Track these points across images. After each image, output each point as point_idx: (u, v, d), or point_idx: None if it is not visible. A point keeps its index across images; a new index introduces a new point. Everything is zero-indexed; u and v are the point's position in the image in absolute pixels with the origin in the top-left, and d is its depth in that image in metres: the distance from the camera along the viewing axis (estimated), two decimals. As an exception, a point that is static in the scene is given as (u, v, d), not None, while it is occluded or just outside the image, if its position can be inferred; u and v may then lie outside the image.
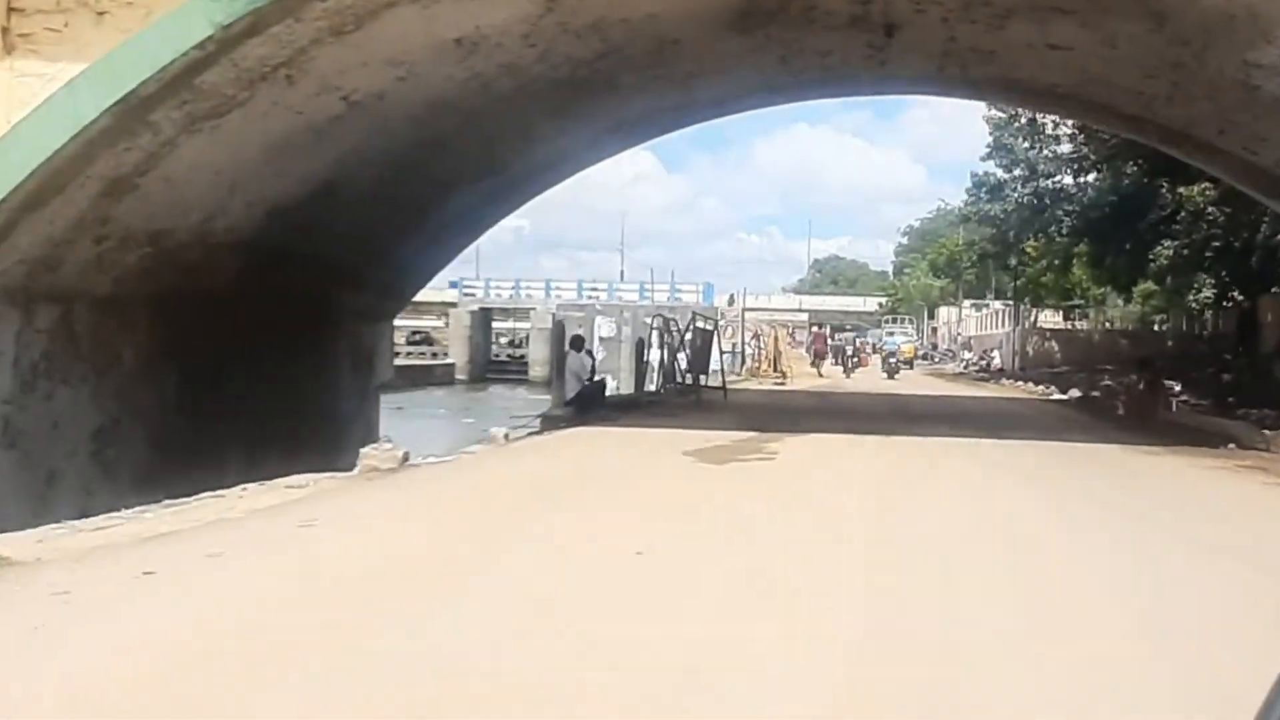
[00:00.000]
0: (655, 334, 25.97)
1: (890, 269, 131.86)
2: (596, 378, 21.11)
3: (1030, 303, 56.84)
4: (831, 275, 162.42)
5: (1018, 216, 44.24)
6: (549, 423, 18.36)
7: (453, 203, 20.24)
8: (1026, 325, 55.18)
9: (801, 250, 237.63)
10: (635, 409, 21.22)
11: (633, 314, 55.76)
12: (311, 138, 14.78)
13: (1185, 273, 39.66)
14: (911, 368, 54.58)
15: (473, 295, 76.35)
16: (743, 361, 46.38)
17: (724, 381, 27.38)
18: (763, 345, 42.06)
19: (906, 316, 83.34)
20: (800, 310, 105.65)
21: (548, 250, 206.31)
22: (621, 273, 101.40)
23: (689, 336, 25.47)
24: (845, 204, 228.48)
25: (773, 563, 7.47)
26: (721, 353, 28.19)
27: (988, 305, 78.72)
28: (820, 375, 49.23)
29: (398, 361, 76.93)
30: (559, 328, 49.25)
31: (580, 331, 27.59)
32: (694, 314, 26.03)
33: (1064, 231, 43.90)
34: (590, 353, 22.89)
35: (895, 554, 7.96)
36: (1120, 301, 61.20)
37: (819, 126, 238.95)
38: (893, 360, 50.50)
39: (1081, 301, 63.43)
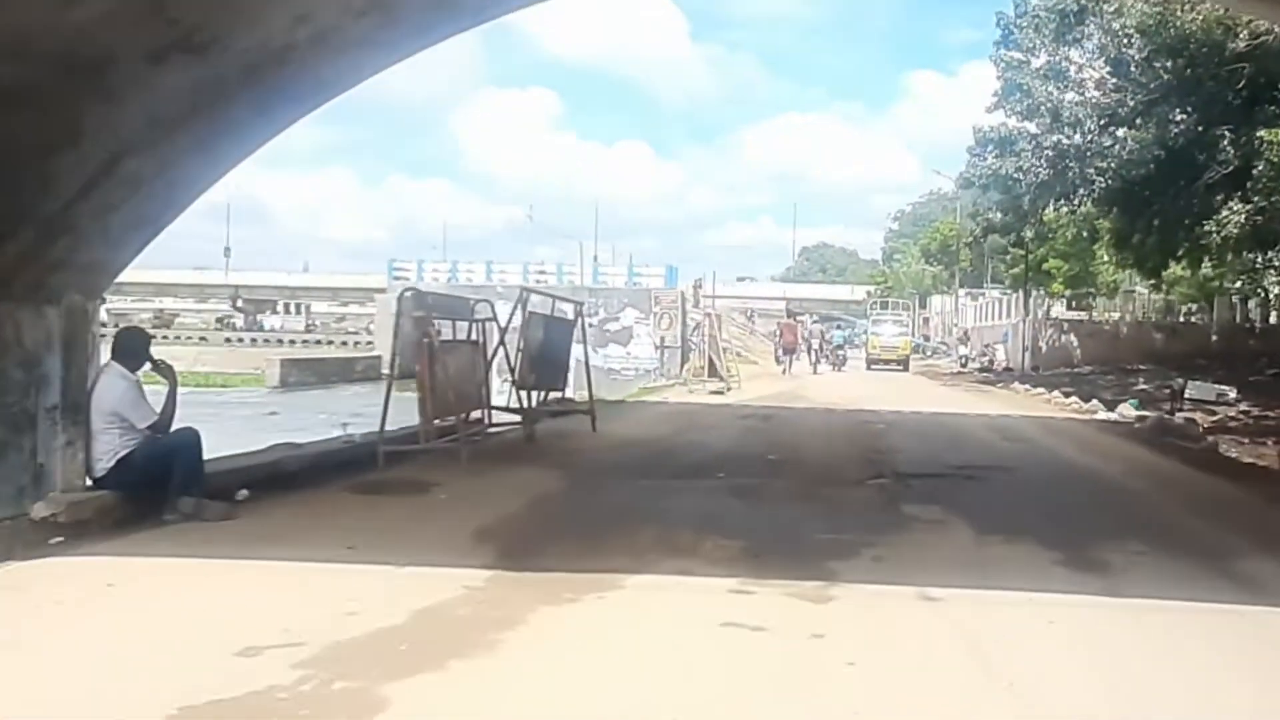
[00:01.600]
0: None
1: (881, 255, 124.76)
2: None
3: (1039, 290, 46.13)
4: (819, 263, 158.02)
5: (1035, 177, 33.68)
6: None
7: (154, 95, 9.37)
8: (1039, 316, 44.60)
9: (791, 238, 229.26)
10: (291, 493, 9.50)
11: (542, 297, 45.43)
12: None
13: (1268, 242, 29.24)
14: (906, 368, 44.67)
15: (405, 279, 65.47)
16: (682, 360, 36.12)
17: (591, 402, 16.79)
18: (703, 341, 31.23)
19: (899, 300, 71.37)
20: (781, 299, 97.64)
21: (547, 240, 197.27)
22: (595, 255, 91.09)
23: (531, 334, 14.86)
24: (836, 193, 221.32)
25: None
26: (585, 360, 17.36)
27: (984, 294, 70.02)
28: (786, 374, 39.21)
29: (307, 354, 68.63)
30: (411, 316, 38.10)
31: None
32: (526, 295, 15.01)
33: (1095, 196, 33.51)
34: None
35: None
36: (1142, 289, 51.17)
37: (809, 115, 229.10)
38: (880, 359, 41.33)
39: (1092, 289, 53.89)
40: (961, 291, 76.77)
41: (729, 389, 27.57)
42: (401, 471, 10.86)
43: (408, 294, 12.12)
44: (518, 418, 14.74)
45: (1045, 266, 49.49)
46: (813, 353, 45.24)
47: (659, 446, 14.56)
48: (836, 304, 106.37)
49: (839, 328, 58.26)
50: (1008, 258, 67.55)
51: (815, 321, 51.40)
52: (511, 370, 14.37)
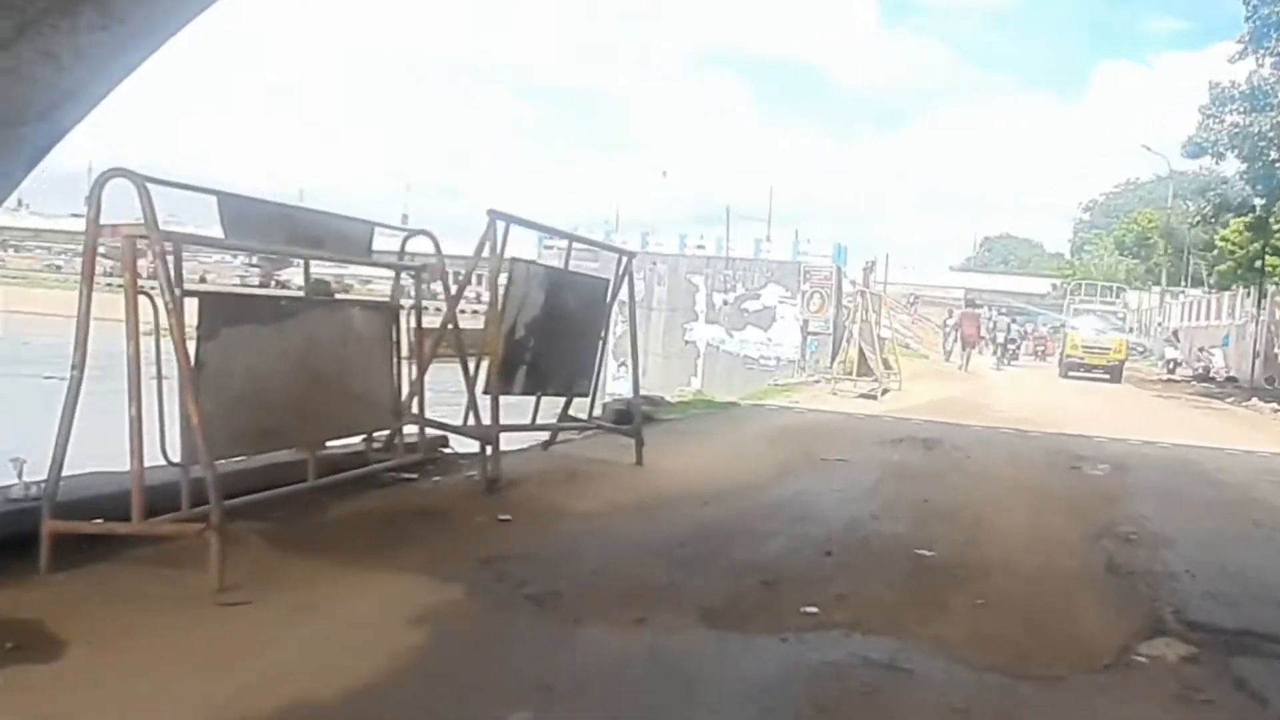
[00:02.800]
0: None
1: (1068, 248, 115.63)
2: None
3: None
4: (1001, 255, 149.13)
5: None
6: None
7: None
8: (1277, 316, 36.27)
9: (973, 231, 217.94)
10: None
11: (671, 266, 38.54)
12: None
13: None
14: (1117, 379, 34.79)
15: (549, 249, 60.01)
16: (834, 351, 29.43)
17: (638, 424, 10.33)
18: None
19: (1110, 286, 59.47)
20: (958, 288, 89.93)
21: (722, 224, 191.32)
22: (767, 237, 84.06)
23: (519, 298, 8.50)
24: (1022, 184, 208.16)
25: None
26: (633, 340, 10.71)
27: (1183, 292, 61.45)
28: (963, 370, 32.33)
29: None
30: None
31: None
32: (499, 222, 8.53)
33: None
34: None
35: None
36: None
37: (996, 103, 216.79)
38: (1080, 364, 33.63)
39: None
40: (1156, 289, 68.24)
41: (884, 391, 20.92)
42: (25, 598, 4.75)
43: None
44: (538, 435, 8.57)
45: (1260, 264, 40.91)
46: (997, 348, 38.46)
47: (725, 510, 8.12)
48: (1017, 296, 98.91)
49: (1014, 321, 50.79)
50: (1212, 254, 58.63)
51: (1002, 313, 43.67)
52: (465, 362, 8.09)
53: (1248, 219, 35.88)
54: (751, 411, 17.08)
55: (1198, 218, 38.52)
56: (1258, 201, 32.79)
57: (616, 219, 58.44)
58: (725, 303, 36.62)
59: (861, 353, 20.79)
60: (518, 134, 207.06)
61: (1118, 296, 50.56)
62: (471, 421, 8.09)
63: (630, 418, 10.50)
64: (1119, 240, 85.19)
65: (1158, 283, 68.63)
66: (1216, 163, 31.87)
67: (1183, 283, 67.08)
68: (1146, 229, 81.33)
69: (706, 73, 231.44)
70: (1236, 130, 27.50)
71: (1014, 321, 51.05)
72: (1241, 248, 45.59)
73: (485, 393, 8.23)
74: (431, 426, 8.34)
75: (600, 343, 10.39)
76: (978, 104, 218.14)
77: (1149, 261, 73.27)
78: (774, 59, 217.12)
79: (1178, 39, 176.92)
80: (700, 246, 56.23)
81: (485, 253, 8.05)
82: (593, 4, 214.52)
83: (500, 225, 8.02)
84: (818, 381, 24.49)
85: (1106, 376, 34.44)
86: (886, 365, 22.12)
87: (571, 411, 10.46)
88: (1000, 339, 39.52)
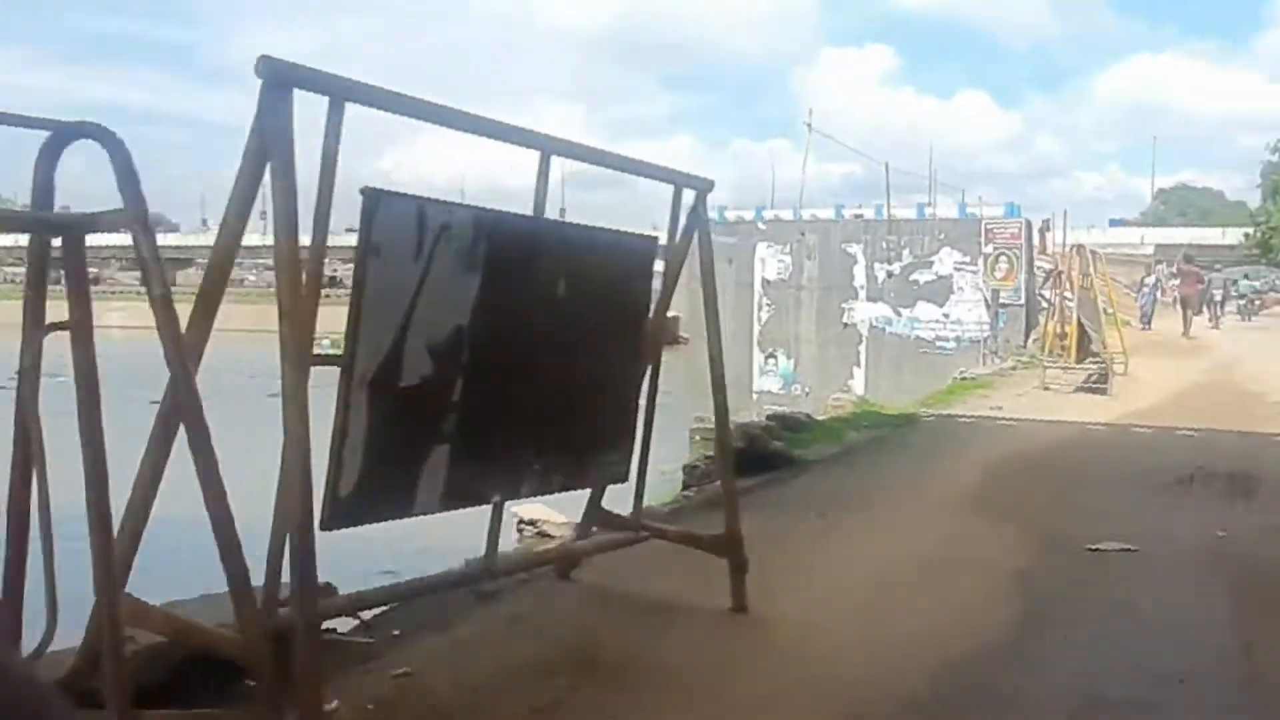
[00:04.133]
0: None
1: (1259, 193, 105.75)
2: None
3: None
4: (1179, 207, 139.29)
5: None
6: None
7: None
8: None
9: (1143, 186, 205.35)
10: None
11: (822, 236, 32.07)
12: None
13: None
14: None
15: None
16: (1028, 327, 23.53)
17: (731, 528, 5.14)
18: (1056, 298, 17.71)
19: None
20: (1142, 245, 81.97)
21: (886, 195, 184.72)
22: (931, 202, 77.27)
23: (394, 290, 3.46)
24: (1191, 135, 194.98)
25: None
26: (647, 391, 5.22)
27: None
28: (1186, 335, 26.52)
29: None
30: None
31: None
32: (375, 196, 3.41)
33: None
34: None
35: None
36: None
37: (1161, 54, 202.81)
38: None
39: None
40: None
41: (1113, 376, 15.21)
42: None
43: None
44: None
45: None
46: (1214, 306, 32.38)
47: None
48: (1204, 249, 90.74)
49: (1246, 276, 44.13)
50: None
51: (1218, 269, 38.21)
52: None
53: None
54: (939, 432, 11.59)
55: None
56: None
57: (772, 195, 52.54)
58: (890, 274, 29.61)
59: (1082, 330, 15.10)
60: (670, 119, 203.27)
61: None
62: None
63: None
64: (1321, 179, 74.88)
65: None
66: None
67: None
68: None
69: (863, 44, 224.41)
70: None
71: (1245, 276, 46.38)
72: None
73: (324, 526, 3.31)
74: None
75: (640, 362, 5.12)
76: (1140, 56, 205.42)
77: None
78: (928, 23, 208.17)
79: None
80: (859, 215, 49.35)
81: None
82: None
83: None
84: (1016, 369, 18.77)
85: None
86: (1106, 346, 16.42)
87: (610, 502, 5.34)
88: (1218, 296, 33.62)
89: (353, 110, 3.37)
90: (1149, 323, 29.99)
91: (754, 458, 8.99)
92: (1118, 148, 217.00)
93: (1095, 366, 15.56)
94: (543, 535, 12.26)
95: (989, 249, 27.83)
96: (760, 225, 33.00)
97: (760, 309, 32.05)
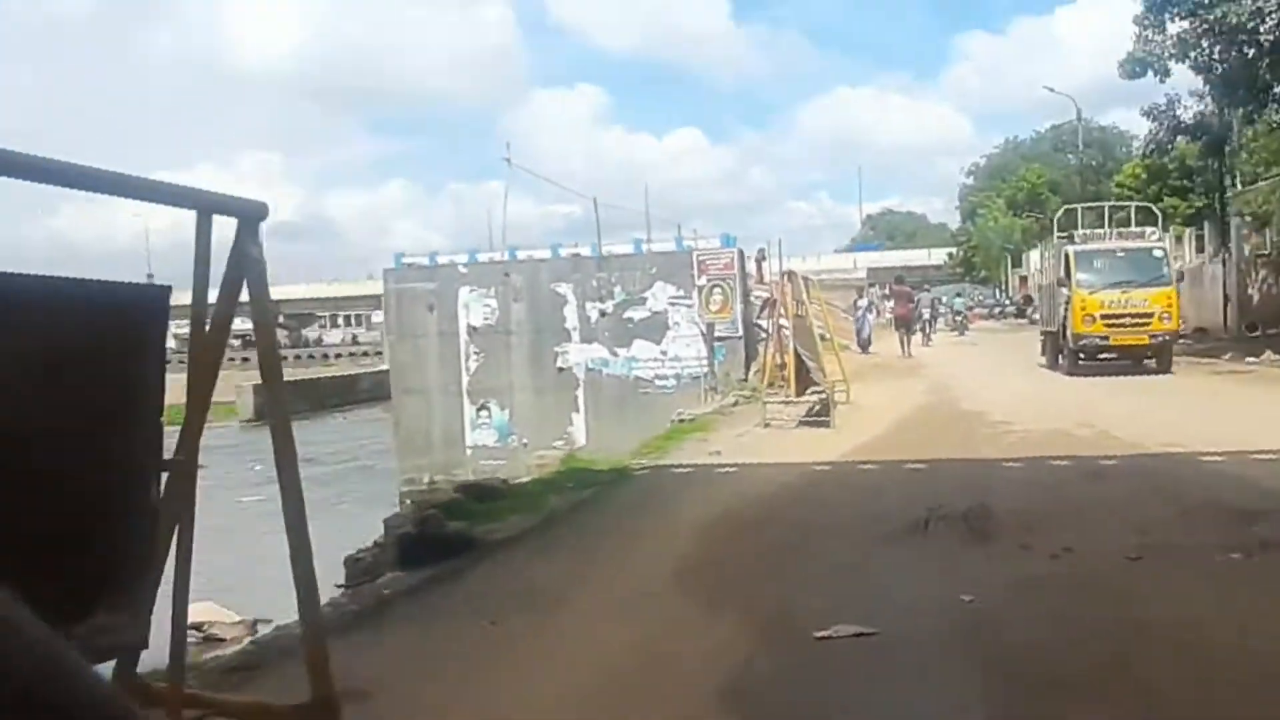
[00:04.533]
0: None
1: (956, 217, 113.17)
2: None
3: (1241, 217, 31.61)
4: (887, 230, 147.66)
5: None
6: None
7: None
8: (1247, 254, 30.41)
9: (852, 213, 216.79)
10: None
11: (529, 277, 30.41)
12: None
13: None
14: (1165, 365, 20.86)
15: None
16: (747, 359, 22.96)
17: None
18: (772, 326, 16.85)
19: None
20: (855, 269, 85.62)
21: (608, 233, 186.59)
22: (648, 238, 78.23)
23: None
24: (892, 163, 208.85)
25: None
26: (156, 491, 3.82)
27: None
28: (904, 356, 26.78)
29: (298, 374, 55.28)
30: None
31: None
32: None
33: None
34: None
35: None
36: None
37: (859, 87, 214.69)
38: (1098, 345, 20.79)
39: None
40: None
41: (835, 406, 14.43)
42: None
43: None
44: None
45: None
46: (925, 325, 33.23)
47: None
48: (913, 270, 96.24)
49: (959, 295, 46.84)
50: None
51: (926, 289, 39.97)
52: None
53: (1197, 147, 30.49)
54: (652, 488, 10.28)
55: (1150, 146, 32.21)
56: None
57: (489, 237, 50.96)
58: (603, 313, 28.06)
59: (799, 360, 14.28)
60: (378, 164, 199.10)
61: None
62: None
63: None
64: (1010, 200, 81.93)
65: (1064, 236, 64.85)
66: (1160, 80, 26.08)
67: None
68: (1036, 185, 78.99)
69: (573, 85, 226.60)
70: (1204, 25, 21.70)
71: (959, 294, 49.13)
72: (1139, 191, 41.76)
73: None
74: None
75: (151, 464, 3.38)
76: (841, 89, 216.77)
77: (1044, 219, 70.50)
78: (635, 64, 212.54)
79: (1026, 2, 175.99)
80: (576, 253, 48.23)
81: None
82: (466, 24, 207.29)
83: None
84: (737, 404, 17.88)
85: (1152, 359, 21.06)
86: (826, 374, 15.73)
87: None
88: (927, 315, 34.58)
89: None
90: (867, 347, 30.20)
91: (428, 543, 7.45)
92: (825, 177, 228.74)
93: (816, 398, 14.81)
94: (210, 640, 10.21)
95: (703, 281, 27.14)
96: (461, 269, 31.32)
97: (468, 358, 30.14)
